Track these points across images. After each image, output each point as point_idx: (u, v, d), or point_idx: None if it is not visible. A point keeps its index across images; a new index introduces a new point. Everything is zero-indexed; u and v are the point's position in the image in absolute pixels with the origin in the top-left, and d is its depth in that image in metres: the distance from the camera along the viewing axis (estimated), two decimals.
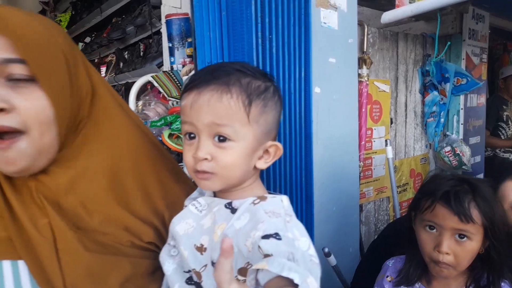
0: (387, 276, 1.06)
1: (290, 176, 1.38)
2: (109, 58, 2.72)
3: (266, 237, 0.54)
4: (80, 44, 3.26)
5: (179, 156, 1.40)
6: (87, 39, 3.16)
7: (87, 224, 0.63)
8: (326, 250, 1.30)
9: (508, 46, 4.32)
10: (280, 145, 0.66)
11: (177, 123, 1.43)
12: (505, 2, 2.62)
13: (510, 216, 1.10)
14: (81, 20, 3.05)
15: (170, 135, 1.42)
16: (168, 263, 0.65)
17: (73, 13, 3.30)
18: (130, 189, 0.68)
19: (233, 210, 0.61)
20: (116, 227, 0.65)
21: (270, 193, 0.66)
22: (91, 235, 0.63)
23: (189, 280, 0.64)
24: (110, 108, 0.71)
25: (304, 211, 1.39)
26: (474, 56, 2.50)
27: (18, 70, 0.58)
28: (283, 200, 0.63)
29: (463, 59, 2.40)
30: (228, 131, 0.59)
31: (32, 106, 0.59)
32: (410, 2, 1.75)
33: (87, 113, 0.67)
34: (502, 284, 0.90)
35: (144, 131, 0.76)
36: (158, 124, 1.43)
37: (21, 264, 0.62)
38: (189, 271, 0.63)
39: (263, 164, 0.65)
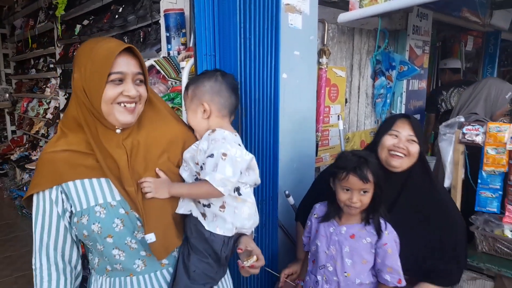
0: (315, 214, 1.55)
1: (261, 140, 1.81)
2: None
3: (207, 156, 1.08)
4: (78, 26, 3.55)
5: None
6: (85, 22, 3.46)
7: (151, 156, 1.14)
8: (287, 192, 1.78)
9: (461, 37, 4.83)
10: (206, 105, 1.20)
11: (178, 98, 1.84)
12: (448, 2, 3.10)
13: (388, 160, 1.51)
14: (80, 5, 3.34)
15: (172, 108, 1.84)
16: (184, 172, 1.18)
17: None
18: (172, 148, 1.19)
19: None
20: (165, 160, 1.17)
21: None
22: (152, 162, 1.14)
23: (196, 179, 1.15)
24: (157, 103, 1.23)
25: (271, 166, 1.84)
26: (417, 48, 2.98)
27: (140, 77, 1.10)
28: (218, 131, 1.14)
29: (407, 50, 2.88)
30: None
31: (143, 93, 1.11)
32: (360, 7, 2.19)
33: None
34: (383, 224, 1.41)
35: (175, 117, 1.27)
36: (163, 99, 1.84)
37: (106, 181, 1.10)
38: (196, 174, 1.15)
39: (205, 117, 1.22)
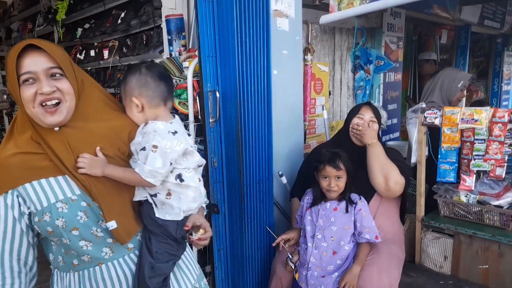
0: (307, 197, 1.86)
1: (257, 129, 2.08)
2: (111, 43, 3.27)
3: (141, 149, 1.11)
4: (80, 29, 3.76)
5: (186, 116, 2.08)
6: (86, 25, 3.67)
7: (94, 147, 1.12)
8: (280, 173, 2.06)
9: (436, 31, 5.15)
10: (135, 100, 1.16)
11: (184, 95, 2.10)
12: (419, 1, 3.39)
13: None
14: (82, 10, 3.54)
15: (179, 103, 2.10)
16: (133, 163, 1.15)
17: (72, 1, 3.77)
18: (117, 139, 1.16)
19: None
20: (114, 152, 1.15)
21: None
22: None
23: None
24: (90, 87, 1.17)
25: (266, 151, 2.12)
26: (392, 43, 3.28)
27: (56, 71, 1.04)
28: (158, 124, 1.13)
29: (383, 46, 3.18)
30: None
31: (65, 87, 1.06)
32: (338, 10, 2.48)
33: (81, 91, 1.13)
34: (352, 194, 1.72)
35: (110, 99, 1.23)
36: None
37: (64, 178, 1.08)
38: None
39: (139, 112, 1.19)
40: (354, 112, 2.00)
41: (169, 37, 2.51)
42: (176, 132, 1.16)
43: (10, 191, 1.07)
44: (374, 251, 1.80)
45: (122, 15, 2.99)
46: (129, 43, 3.01)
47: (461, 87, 2.42)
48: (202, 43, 1.87)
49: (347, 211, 1.71)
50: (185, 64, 2.23)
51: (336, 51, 2.96)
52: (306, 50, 2.63)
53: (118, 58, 3.10)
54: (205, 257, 2.21)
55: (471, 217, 1.85)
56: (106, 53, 3.29)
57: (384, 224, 1.94)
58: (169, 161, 1.12)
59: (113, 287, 1.16)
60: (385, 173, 1.84)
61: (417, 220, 1.98)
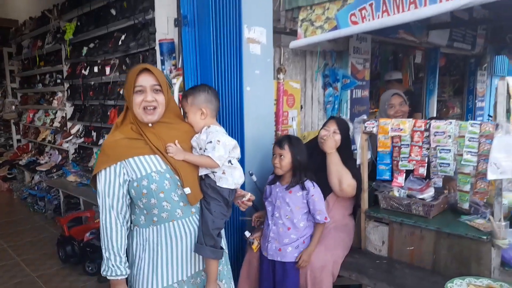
0: (268, 181, 2.24)
1: (232, 136, 2.48)
2: (112, 61, 3.70)
3: (207, 143, 1.62)
4: (85, 48, 4.20)
5: None
6: (91, 45, 4.11)
7: (173, 139, 1.61)
8: (250, 172, 2.45)
9: (410, 51, 5.56)
10: (204, 110, 1.70)
11: None
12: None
13: (322, 146, 2.33)
14: (87, 31, 3.99)
15: None
16: (195, 152, 1.68)
17: (79, 24, 4.22)
18: (186, 136, 1.68)
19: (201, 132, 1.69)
20: (183, 145, 1.63)
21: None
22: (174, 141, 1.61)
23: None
24: (172, 103, 1.70)
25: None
26: (358, 64, 3.70)
27: (157, 87, 1.54)
28: (212, 126, 1.66)
29: (349, 67, 3.60)
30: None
31: (160, 99, 1.55)
32: (304, 37, 2.90)
33: (167, 104, 1.61)
34: (307, 181, 2.09)
35: (179, 113, 1.77)
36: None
37: (155, 157, 1.56)
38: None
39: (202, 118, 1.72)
40: (323, 125, 2.43)
41: (162, 58, 2.92)
42: (226, 133, 1.71)
43: (118, 163, 1.52)
44: (326, 235, 2.19)
45: (123, 37, 3.42)
46: (128, 61, 3.43)
47: (387, 107, 2.88)
48: (186, 64, 2.29)
49: (299, 194, 2.08)
50: (174, 80, 2.64)
51: (307, 70, 3.38)
52: (279, 70, 3.05)
53: (118, 74, 3.53)
54: None
55: (403, 208, 2.23)
56: (108, 69, 3.71)
57: (336, 217, 2.34)
58: (228, 150, 1.62)
59: (181, 237, 1.62)
60: (339, 177, 2.25)
61: (362, 212, 2.36)
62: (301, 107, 3.36)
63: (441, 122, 1.99)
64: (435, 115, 5.55)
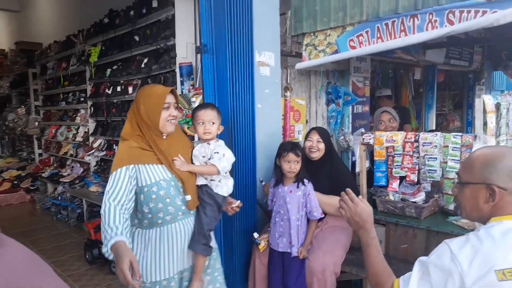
0: (271, 184, 2.52)
1: (245, 148, 2.77)
2: (134, 82, 4.05)
3: (214, 153, 1.94)
4: (109, 69, 4.56)
5: (192, 137, 2.79)
6: (114, 67, 4.48)
7: (179, 150, 1.89)
8: (260, 179, 2.75)
9: (409, 68, 5.85)
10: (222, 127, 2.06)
11: (190, 123, 2.82)
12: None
13: (308, 154, 2.59)
14: (111, 55, 4.36)
15: (188, 128, 2.82)
16: (196, 161, 1.97)
17: (103, 48, 4.60)
18: (186, 148, 1.98)
19: (209, 144, 1.99)
20: (184, 153, 1.92)
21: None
22: (180, 153, 1.89)
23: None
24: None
25: (251, 164, 2.81)
26: (359, 82, 4.01)
27: (176, 105, 1.85)
28: (220, 141, 2.01)
29: (351, 84, 3.90)
30: (214, 120, 1.98)
31: (178, 114, 1.87)
32: (309, 59, 3.22)
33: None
34: (306, 182, 2.38)
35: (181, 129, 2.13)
36: (182, 122, 2.83)
37: (161, 166, 1.80)
38: (203, 162, 2.00)
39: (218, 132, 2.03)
40: (306, 136, 2.71)
41: (181, 79, 3.27)
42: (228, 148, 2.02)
43: (132, 165, 1.72)
44: (323, 237, 2.46)
45: (145, 60, 3.77)
46: (149, 82, 3.77)
47: (378, 123, 3.19)
48: (205, 85, 2.61)
49: (298, 187, 2.35)
50: (193, 99, 2.97)
51: (312, 88, 3.69)
52: (286, 89, 3.36)
53: None
54: None
55: (397, 211, 2.50)
56: (130, 89, 4.06)
57: (334, 217, 2.60)
58: (230, 164, 1.94)
59: (181, 236, 1.86)
60: (329, 204, 2.50)
61: None
62: (306, 122, 3.66)
63: (428, 134, 2.28)
64: (434, 128, 5.79)
